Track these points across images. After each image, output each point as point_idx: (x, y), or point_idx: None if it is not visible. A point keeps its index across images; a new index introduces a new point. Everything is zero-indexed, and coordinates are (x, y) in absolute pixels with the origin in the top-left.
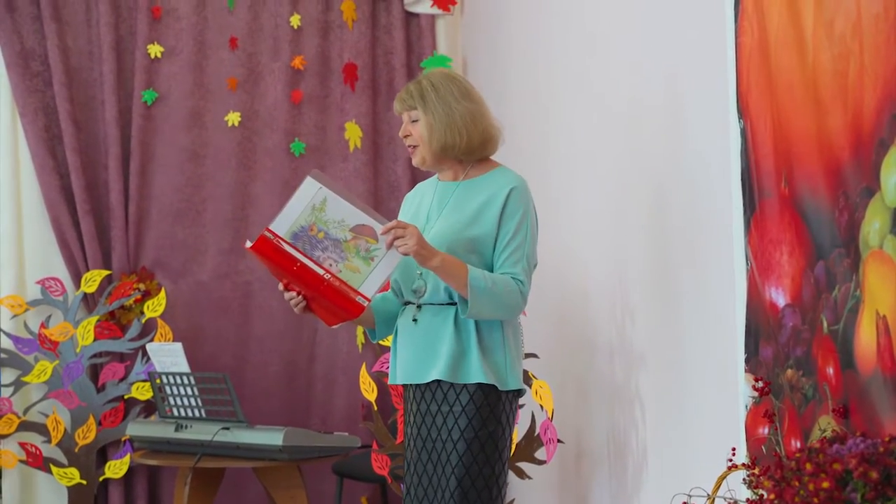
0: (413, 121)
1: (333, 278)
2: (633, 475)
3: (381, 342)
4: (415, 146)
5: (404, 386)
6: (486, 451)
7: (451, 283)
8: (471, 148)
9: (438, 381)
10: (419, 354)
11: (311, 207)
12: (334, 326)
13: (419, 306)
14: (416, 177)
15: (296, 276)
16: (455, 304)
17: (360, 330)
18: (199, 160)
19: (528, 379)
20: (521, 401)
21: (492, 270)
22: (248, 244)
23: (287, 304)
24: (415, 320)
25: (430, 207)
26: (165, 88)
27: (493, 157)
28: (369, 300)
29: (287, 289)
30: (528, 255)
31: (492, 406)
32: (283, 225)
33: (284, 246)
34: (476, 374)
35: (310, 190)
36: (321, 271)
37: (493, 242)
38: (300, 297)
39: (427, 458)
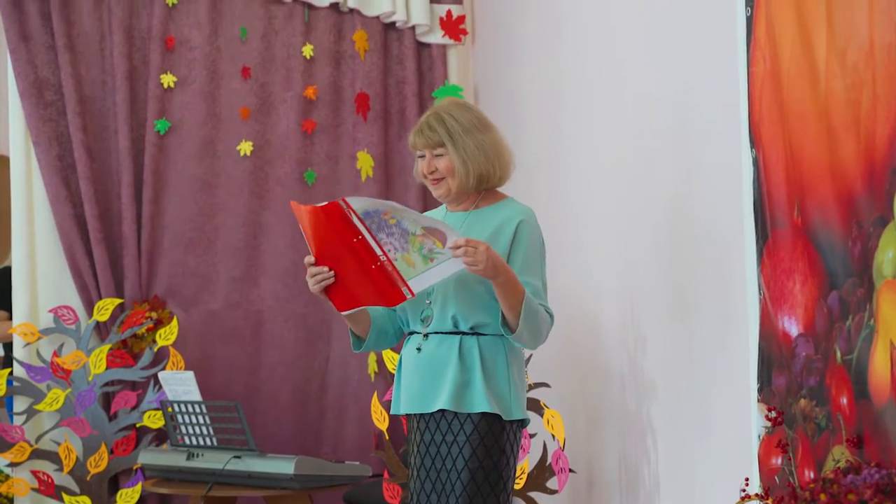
0: (437, 155)
1: (388, 262)
2: None
3: (394, 371)
4: (440, 178)
5: (408, 416)
6: (491, 480)
7: (506, 300)
8: (502, 176)
9: (443, 411)
10: (424, 384)
11: (390, 207)
12: (344, 314)
13: (425, 335)
14: (428, 206)
15: (350, 249)
16: (459, 333)
17: (372, 358)
18: (211, 189)
19: (539, 408)
20: (532, 430)
21: (496, 301)
22: (313, 205)
23: (298, 332)
24: (418, 349)
25: None
26: (178, 118)
27: (500, 189)
28: (413, 295)
29: (318, 263)
30: (545, 284)
31: (496, 436)
32: (359, 202)
33: (353, 217)
34: (480, 403)
35: (391, 204)
36: (379, 252)
37: None
38: (329, 273)
39: (431, 488)
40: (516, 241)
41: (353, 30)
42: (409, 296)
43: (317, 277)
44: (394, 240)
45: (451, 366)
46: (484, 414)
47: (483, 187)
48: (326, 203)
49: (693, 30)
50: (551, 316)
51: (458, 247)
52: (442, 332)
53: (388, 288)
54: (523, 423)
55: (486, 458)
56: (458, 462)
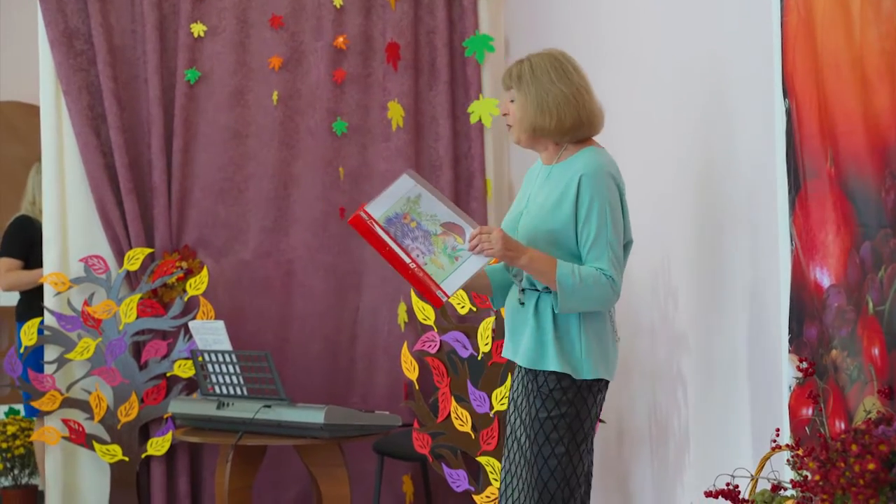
0: (511, 100)
1: (418, 268)
2: (676, 455)
3: (424, 322)
4: (510, 125)
5: None
6: (559, 430)
7: (541, 280)
8: (561, 130)
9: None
10: (512, 335)
11: (405, 199)
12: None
13: (522, 290)
14: (458, 156)
15: (386, 257)
16: (538, 290)
17: (402, 308)
18: (241, 139)
19: None
20: None
21: (578, 260)
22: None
23: (328, 282)
24: (521, 303)
25: (531, 190)
26: (208, 67)
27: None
28: (448, 296)
29: None
30: (610, 242)
31: (565, 388)
32: (378, 208)
33: (377, 229)
34: (551, 362)
35: (405, 185)
36: (408, 259)
37: (575, 235)
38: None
39: (513, 435)
40: (579, 199)
41: None
42: (444, 298)
43: None
44: (419, 244)
45: (529, 323)
46: (555, 372)
47: (543, 136)
48: (351, 217)
49: None
50: (607, 276)
51: (475, 237)
52: (529, 288)
53: (426, 292)
54: (599, 381)
55: (554, 408)
56: (530, 414)
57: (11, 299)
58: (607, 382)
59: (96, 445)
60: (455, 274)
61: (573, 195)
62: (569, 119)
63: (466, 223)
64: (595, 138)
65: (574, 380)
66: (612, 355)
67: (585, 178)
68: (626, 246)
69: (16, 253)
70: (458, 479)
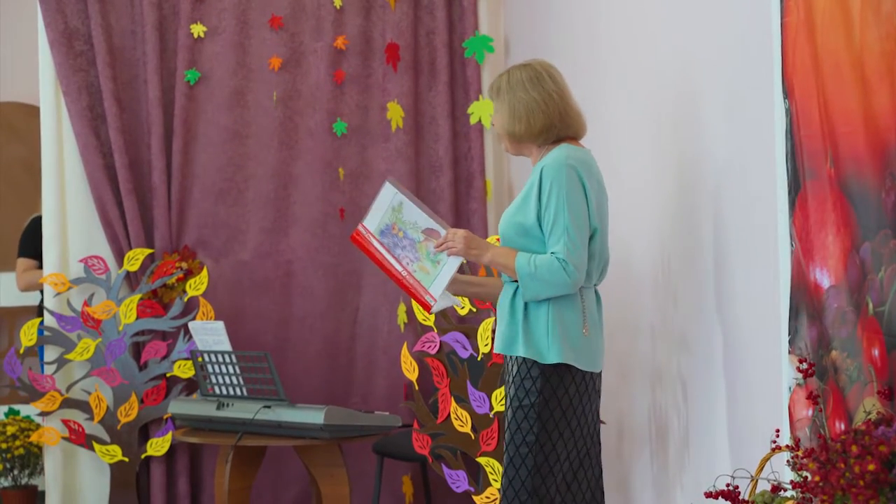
0: (497, 112)
1: (409, 276)
2: (675, 456)
3: (424, 322)
4: (499, 134)
5: None
6: (529, 419)
7: (506, 273)
8: (532, 133)
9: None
10: (498, 326)
11: (391, 209)
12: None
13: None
14: (458, 157)
15: (381, 268)
16: (515, 281)
17: (401, 309)
18: (241, 140)
19: None
20: None
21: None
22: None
23: (328, 283)
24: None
25: None
26: (208, 68)
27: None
28: (435, 300)
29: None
30: (567, 228)
31: (534, 378)
32: (373, 221)
33: (372, 241)
34: (519, 347)
35: (388, 193)
36: (399, 268)
37: (540, 225)
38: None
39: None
40: (541, 190)
41: None
42: (432, 303)
43: None
44: (407, 252)
45: (505, 311)
46: (524, 357)
47: (521, 142)
48: (352, 233)
49: None
50: (560, 260)
51: (441, 245)
52: (507, 281)
53: (417, 298)
54: (566, 367)
55: (525, 397)
56: (507, 401)
57: (12, 300)
58: (584, 373)
59: (96, 446)
60: (438, 277)
61: (536, 188)
62: (538, 123)
63: (441, 227)
64: (589, 137)
65: (542, 367)
66: (589, 345)
67: (546, 169)
68: (593, 234)
69: (32, 253)
70: (457, 480)
